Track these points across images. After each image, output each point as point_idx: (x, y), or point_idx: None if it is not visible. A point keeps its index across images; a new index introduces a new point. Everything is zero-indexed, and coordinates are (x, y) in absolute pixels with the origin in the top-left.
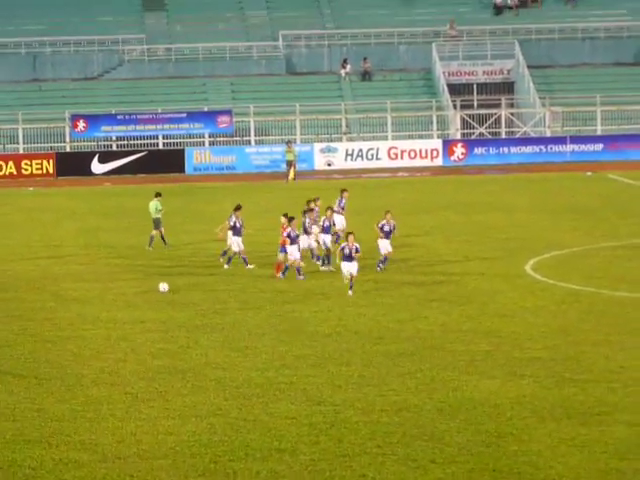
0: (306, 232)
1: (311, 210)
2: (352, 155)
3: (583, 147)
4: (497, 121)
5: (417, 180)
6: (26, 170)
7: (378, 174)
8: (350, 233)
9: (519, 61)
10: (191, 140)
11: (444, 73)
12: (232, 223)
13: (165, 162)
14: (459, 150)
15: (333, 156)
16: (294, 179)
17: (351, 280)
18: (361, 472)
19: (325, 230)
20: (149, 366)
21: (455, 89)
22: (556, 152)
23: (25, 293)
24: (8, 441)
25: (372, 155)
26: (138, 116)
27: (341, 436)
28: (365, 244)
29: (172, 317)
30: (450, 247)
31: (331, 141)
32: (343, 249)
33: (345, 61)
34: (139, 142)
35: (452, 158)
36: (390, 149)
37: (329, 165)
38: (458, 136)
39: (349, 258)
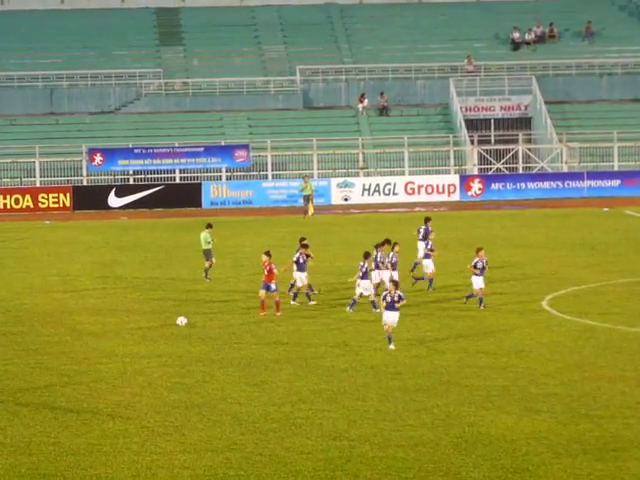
0: (377, 267)
1: (384, 244)
2: (369, 190)
3: (600, 183)
4: (514, 156)
5: (434, 215)
6: (43, 204)
7: (395, 209)
8: (392, 282)
9: (536, 96)
10: (208, 174)
11: (461, 108)
12: (295, 259)
13: (182, 196)
14: (476, 185)
15: (350, 191)
16: (313, 214)
17: (390, 331)
18: None
19: (393, 267)
20: (165, 400)
21: (472, 124)
22: (573, 188)
23: (41, 327)
24: (24, 475)
25: (389, 190)
26: (155, 150)
27: (357, 471)
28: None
29: (188, 351)
30: (467, 282)
31: (348, 176)
32: (385, 297)
33: (362, 96)
34: (156, 176)
35: (469, 193)
36: (407, 184)
37: (346, 200)
38: (475, 171)
39: (392, 307)
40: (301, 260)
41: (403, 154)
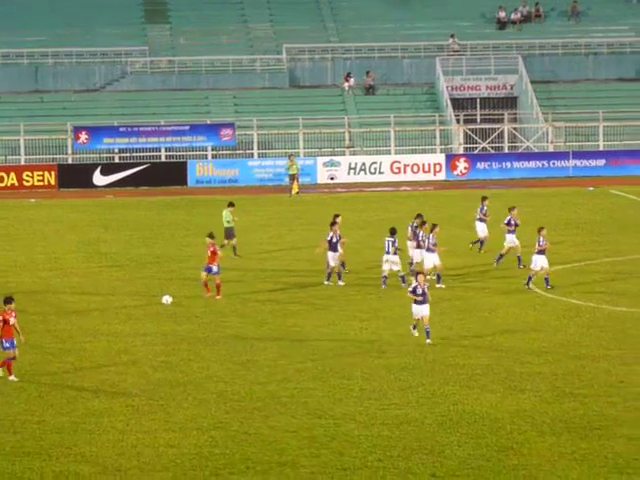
0: (419, 246)
1: (423, 223)
2: (355, 169)
3: (585, 162)
4: (500, 136)
5: (420, 194)
6: (27, 182)
7: (381, 188)
8: (420, 273)
9: (522, 76)
10: (194, 153)
11: (447, 87)
12: (329, 238)
13: (167, 175)
14: (462, 165)
15: (336, 170)
16: (297, 193)
17: (426, 325)
18: None
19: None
20: (150, 379)
21: (458, 103)
22: (558, 167)
23: (26, 305)
24: (8, 453)
25: (375, 169)
26: (140, 128)
27: (342, 449)
28: (364, 259)
29: (174, 330)
30: (452, 261)
31: (334, 155)
32: (415, 290)
33: (348, 75)
34: (141, 154)
35: (455, 172)
36: (393, 163)
37: (332, 179)
38: (461, 150)
39: (422, 300)
40: (334, 239)
41: (389, 133)
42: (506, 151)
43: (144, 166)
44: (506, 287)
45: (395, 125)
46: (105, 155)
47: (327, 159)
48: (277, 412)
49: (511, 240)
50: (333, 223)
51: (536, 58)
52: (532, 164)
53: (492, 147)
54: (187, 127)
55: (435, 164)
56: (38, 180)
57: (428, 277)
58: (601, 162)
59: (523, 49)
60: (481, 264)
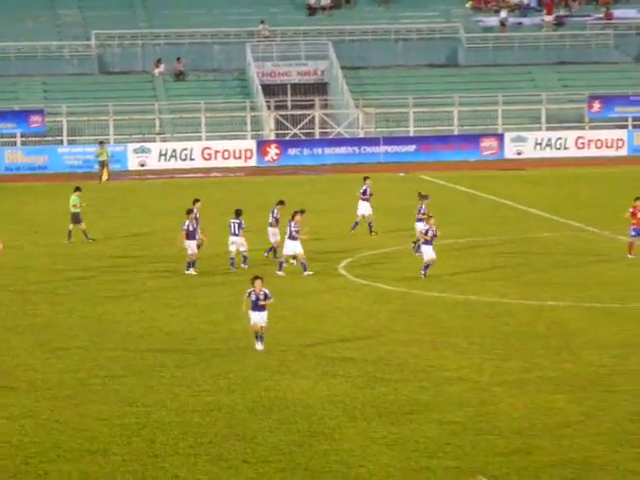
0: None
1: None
2: (165, 155)
3: (396, 148)
4: (311, 122)
5: (231, 180)
6: None
7: (192, 174)
8: (258, 278)
9: (332, 62)
10: (2, 140)
11: (258, 73)
12: (185, 227)
13: None
14: (273, 151)
15: (147, 156)
16: (108, 180)
17: (261, 331)
18: (173, 472)
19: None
20: None
21: (269, 90)
22: (369, 153)
23: None
24: None
25: (186, 155)
26: None
27: (153, 437)
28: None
29: None
30: (265, 248)
31: (145, 141)
32: (250, 295)
33: (159, 61)
34: None
35: (266, 159)
36: (204, 149)
37: (142, 165)
38: (272, 137)
39: (258, 306)
40: (191, 228)
41: (200, 119)
42: (317, 137)
43: None
44: (318, 272)
45: (206, 111)
46: None
47: (137, 145)
48: (88, 400)
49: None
50: (190, 211)
51: (346, 44)
52: (343, 150)
53: (303, 133)
54: None
55: (246, 150)
56: None
57: (293, 262)
58: (411, 148)
59: (333, 35)
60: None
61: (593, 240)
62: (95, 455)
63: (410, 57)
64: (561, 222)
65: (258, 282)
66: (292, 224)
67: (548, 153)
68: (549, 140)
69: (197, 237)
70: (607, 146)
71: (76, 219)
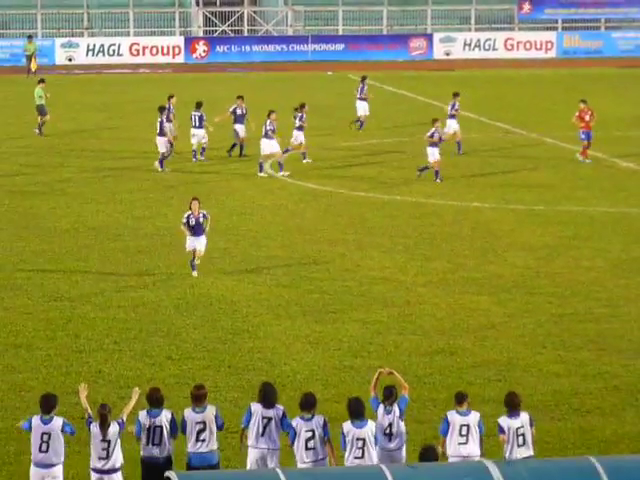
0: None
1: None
2: (93, 50)
3: (324, 47)
4: (240, 19)
5: (158, 77)
6: None
7: (119, 70)
8: (195, 199)
9: None
10: None
11: None
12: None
13: None
14: (201, 48)
15: (74, 51)
16: (35, 72)
17: (196, 258)
18: (97, 368)
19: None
20: None
21: None
22: (298, 51)
23: None
24: None
25: (113, 51)
26: None
27: (78, 332)
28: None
29: None
30: (188, 145)
31: (72, 36)
32: (189, 219)
33: None
34: None
35: (194, 55)
36: (132, 45)
37: (70, 60)
38: (200, 34)
39: (197, 231)
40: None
41: (128, 14)
42: (246, 34)
43: None
44: (243, 171)
45: (134, 7)
46: None
47: (65, 40)
48: (13, 295)
49: (451, 126)
50: (162, 108)
51: None
52: (271, 48)
53: (232, 30)
54: None
55: (174, 47)
56: None
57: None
58: (340, 47)
59: None
60: (216, 147)
61: (520, 142)
62: (19, 349)
63: None
64: (489, 123)
65: (195, 203)
66: (268, 122)
67: (477, 54)
68: (478, 41)
69: (171, 133)
70: (536, 48)
71: (42, 111)
